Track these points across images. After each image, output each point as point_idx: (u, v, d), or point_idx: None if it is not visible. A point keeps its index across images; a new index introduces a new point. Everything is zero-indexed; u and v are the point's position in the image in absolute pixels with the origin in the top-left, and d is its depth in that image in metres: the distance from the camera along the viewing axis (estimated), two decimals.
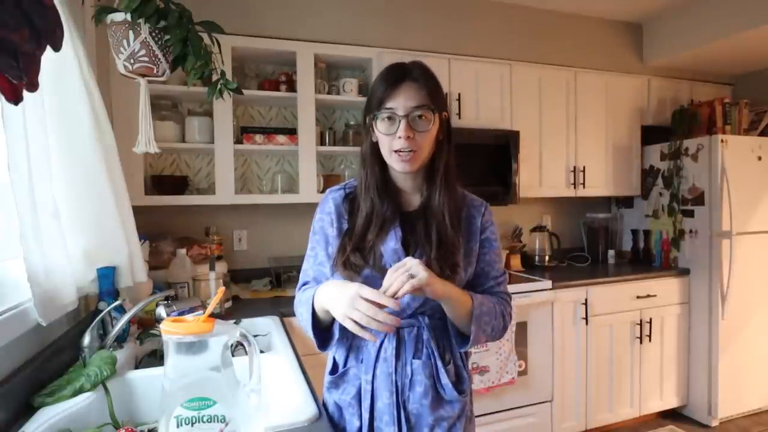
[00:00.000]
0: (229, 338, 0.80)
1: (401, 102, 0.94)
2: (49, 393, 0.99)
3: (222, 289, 0.98)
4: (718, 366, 2.66)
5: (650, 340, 2.68)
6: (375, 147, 1.00)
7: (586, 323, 2.51)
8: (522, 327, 2.35)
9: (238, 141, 2.23)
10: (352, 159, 2.59)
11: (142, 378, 1.15)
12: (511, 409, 2.35)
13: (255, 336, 1.67)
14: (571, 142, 2.84)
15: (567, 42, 2.84)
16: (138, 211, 1.57)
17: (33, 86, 0.73)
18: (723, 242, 2.64)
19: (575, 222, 3.28)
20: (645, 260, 3.04)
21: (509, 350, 2.28)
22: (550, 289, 2.41)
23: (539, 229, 2.99)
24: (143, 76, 1.20)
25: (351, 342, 1.03)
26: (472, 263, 1.04)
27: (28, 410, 0.95)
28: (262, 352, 1.40)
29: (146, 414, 1.13)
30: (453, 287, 0.93)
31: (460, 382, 1.02)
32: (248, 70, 2.44)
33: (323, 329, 1.01)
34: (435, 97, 0.96)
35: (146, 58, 1.17)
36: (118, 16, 1.14)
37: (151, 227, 2.19)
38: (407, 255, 0.97)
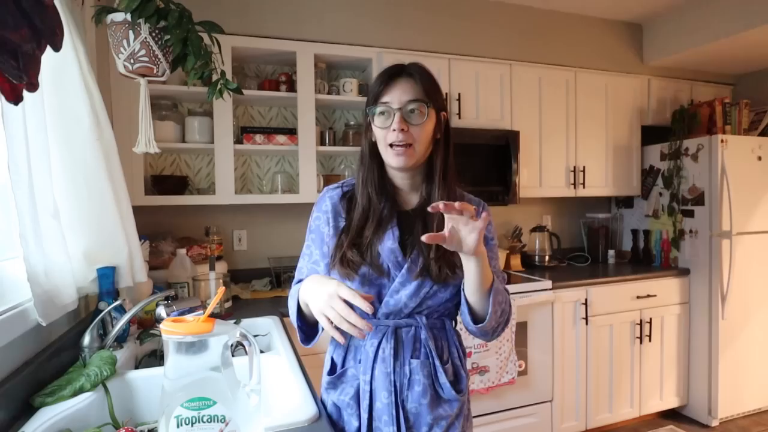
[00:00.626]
0: (229, 338, 0.80)
1: (396, 96, 0.95)
2: (49, 393, 0.99)
3: (222, 289, 0.98)
4: (718, 366, 2.66)
5: (650, 340, 2.68)
6: (374, 146, 1.01)
7: (586, 323, 2.51)
8: (522, 327, 2.35)
9: (238, 141, 2.23)
10: (352, 159, 2.59)
11: (142, 378, 1.15)
12: (511, 409, 2.35)
13: (255, 336, 1.67)
14: (571, 142, 2.84)
15: (567, 42, 2.84)
16: (138, 211, 1.57)
17: (33, 86, 0.73)
18: (723, 242, 2.64)
19: (575, 222, 3.28)
20: (645, 260, 3.04)
21: (509, 350, 2.28)
22: (550, 289, 2.41)
23: (539, 229, 2.99)
24: (143, 76, 1.20)
25: (349, 342, 1.03)
26: None
27: (28, 410, 0.95)
28: (262, 352, 1.40)
29: (146, 414, 1.13)
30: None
31: (458, 382, 1.02)
32: (248, 70, 2.44)
33: (310, 325, 1.01)
34: (431, 93, 0.97)
35: (146, 58, 1.17)
36: (118, 16, 1.14)
37: (151, 227, 2.19)
38: (404, 255, 0.98)
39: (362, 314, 0.99)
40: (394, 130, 0.93)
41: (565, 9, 2.83)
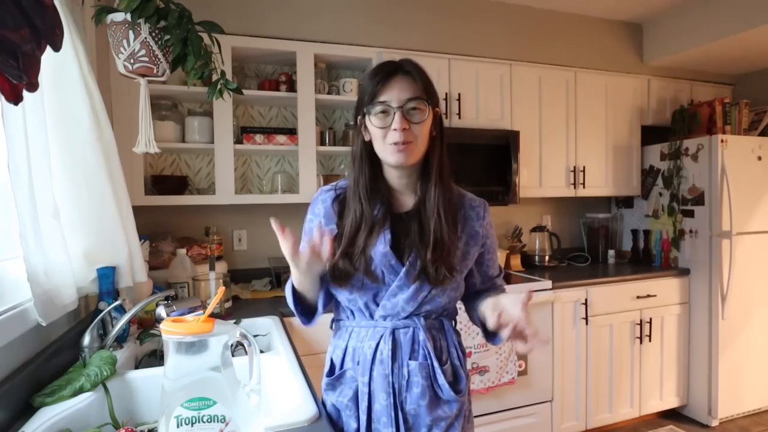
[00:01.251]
0: (229, 338, 0.80)
1: (395, 94, 0.93)
2: (49, 393, 0.99)
3: (222, 289, 0.98)
4: (718, 366, 2.66)
5: (650, 340, 2.68)
6: (367, 147, 0.99)
7: (586, 323, 2.51)
8: None
9: (238, 141, 2.23)
10: None
11: (142, 378, 1.15)
12: (511, 409, 2.34)
13: (255, 336, 1.67)
14: (571, 142, 2.84)
15: (567, 42, 2.84)
16: (138, 211, 1.57)
17: (33, 86, 0.73)
18: (723, 242, 2.64)
19: (575, 222, 3.28)
20: (645, 260, 3.04)
21: (509, 350, 2.28)
22: (550, 289, 2.41)
23: (539, 229, 2.99)
24: (143, 76, 1.20)
25: (347, 344, 1.02)
26: (469, 266, 1.04)
27: (28, 410, 0.95)
28: (262, 352, 1.40)
29: (146, 414, 1.13)
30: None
31: (457, 382, 1.02)
32: (248, 70, 2.44)
33: (306, 304, 1.03)
34: (428, 90, 0.96)
35: (146, 58, 1.17)
36: (118, 16, 1.14)
37: (151, 227, 2.19)
38: (399, 259, 0.96)
39: (361, 316, 1.01)
40: (395, 129, 0.92)
41: (565, 9, 2.83)
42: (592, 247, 3.16)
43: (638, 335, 2.64)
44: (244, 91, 2.04)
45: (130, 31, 1.14)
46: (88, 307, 1.45)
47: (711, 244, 2.68)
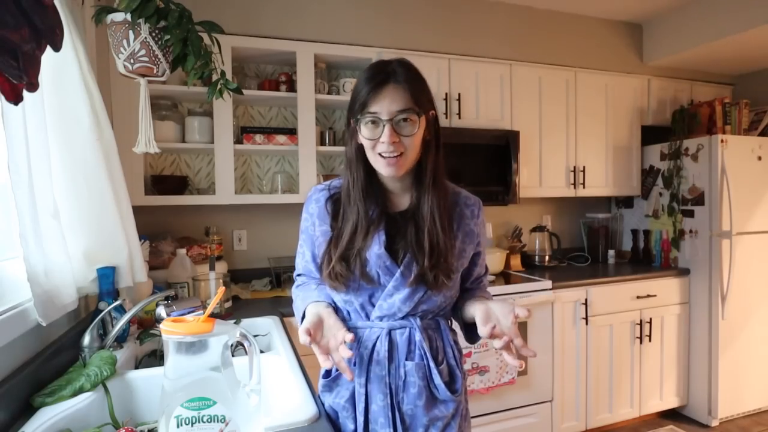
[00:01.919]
0: (229, 338, 0.80)
1: (385, 106, 0.90)
2: (49, 393, 0.99)
3: (222, 289, 0.98)
4: (718, 366, 2.66)
5: (650, 340, 2.68)
6: (360, 149, 0.97)
7: (586, 323, 2.51)
8: (522, 327, 2.35)
9: (238, 141, 2.23)
10: None
11: (142, 378, 1.15)
12: (511, 409, 2.35)
13: (255, 336, 1.67)
14: (571, 142, 2.84)
15: (567, 42, 2.84)
16: (138, 211, 1.57)
17: (33, 86, 0.73)
18: (723, 242, 2.64)
19: (575, 222, 3.28)
20: (645, 260, 3.04)
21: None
22: (550, 289, 2.41)
23: (539, 229, 2.99)
24: (143, 76, 1.20)
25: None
26: (464, 264, 1.05)
27: (28, 410, 0.95)
28: (262, 352, 1.40)
29: (146, 414, 1.13)
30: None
31: (453, 382, 1.01)
32: (248, 70, 2.44)
33: None
34: (420, 98, 0.93)
35: (146, 58, 1.17)
36: (118, 16, 1.14)
37: (151, 227, 2.19)
38: (394, 260, 0.96)
39: (357, 317, 1.01)
40: (383, 142, 0.90)
41: (565, 9, 2.83)
42: (592, 247, 3.16)
43: (638, 335, 2.64)
44: (244, 91, 2.04)
45: (130, 31, 1.14)
46: (88, 307, 1.45)
47: (711, 244, 2.68)
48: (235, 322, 1.65)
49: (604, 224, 3.16)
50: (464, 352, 2.15)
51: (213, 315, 0.82)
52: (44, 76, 1.09)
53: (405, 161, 0.93)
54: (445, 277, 0.95)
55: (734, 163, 2.65)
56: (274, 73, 2.46)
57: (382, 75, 0.92)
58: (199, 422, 0.75)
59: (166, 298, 1.50)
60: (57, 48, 0.79)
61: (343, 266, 0.95)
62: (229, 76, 1.80)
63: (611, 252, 3.09)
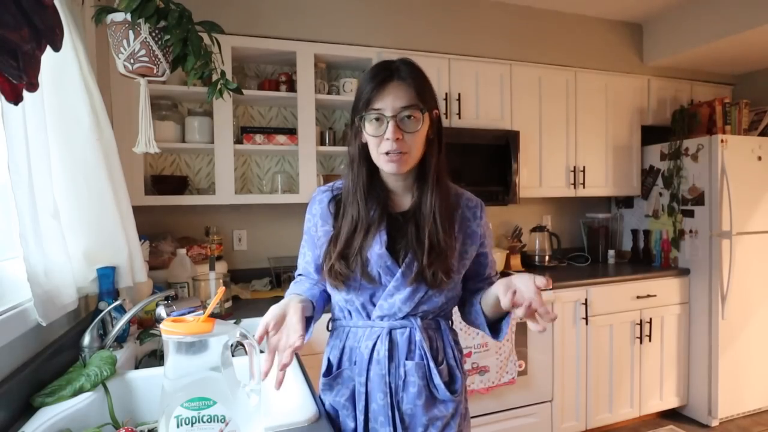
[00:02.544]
0: (229, 338, 0.80)
1: (389, 102, 0.90)
2: (49, 393, 0.99)
3: (222, 289, 0.98)
4: (718, 366, 2.66)
5: (650, 340, 2.68)
6: (364, 148, 0.98)
7: (586, 323, 2.51)
8: (522, 327, 2.35)
9: (238, 141, 2.23)
10: None
11: (142, 378, 1.15)
12: (511, 409, 2.35)
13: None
14: (571, 142, 2.84)
15: (567, 42, 2.84)
16: (138, 211, 1.57)
17: (33, 86, 0.73)
18: (723, 242, 2.64)
19: (575, 222, 3.28)
20: (645, 260, 3.04)
21: (509, 350, 2.28)
22: (550, 289, 2.41)
23: (539, 229, 2.99)
24: (143, 76, 1.20)
25: (344, 344, 1.03)
26: (466, 265, 1.04)
27: (28, 410, 0.95)
28: (261, 352, 1.39)
29: (146, 414, 1.13)
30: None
31: (452, 382, 1.02)
32: (248, 70, 2.44)
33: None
34: (424, 95, 0.93)
35: (146, 58, 1.17)
36: (118, 16, 1.14)
37: (151, 227, 2.19)
38: (395, 260, 0.96)
39: (358, 317, 1.01)
40: (388, 138, 0.90)
41: (565, 9, 2.83)
42: (592, 247, 3.16)
43: (638, 335, 2.64)
44: (244, 91, 2.04)
45: (130, 31, 1.14)
46: (88, 307, 1.45)
47: (711, 244, 2.68)
48: (235, 322, 1.65)
49: (604, 224, 3.16)
50: (464, 351, 2.15)
51: (213, 315, 0.82)
52: (44, 76, 1.09)
53: (408, 158, 0.93)
54: (444, 275, 0.95)
55: (734, 163, 2.65)
56: (274, 73, 2.46)
57: (386, 72, 0.93)
58: (199, 422, 0.74)
59: (166, 298, 1.50)
60: (57, 48, 0.79)
61: (343, 264, 0.95)
62: (229, 76, 1.80)
63: (611, 252, 3.09)
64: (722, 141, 2.64)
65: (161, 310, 1.42)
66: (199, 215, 2.38)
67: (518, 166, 2.60)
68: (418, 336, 0.98)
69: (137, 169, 2.01)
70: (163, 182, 2.19)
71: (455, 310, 1.14)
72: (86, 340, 1.19)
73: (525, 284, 0.83)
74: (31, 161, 1.01)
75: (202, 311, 1.04)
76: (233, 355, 0.80)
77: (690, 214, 2.80)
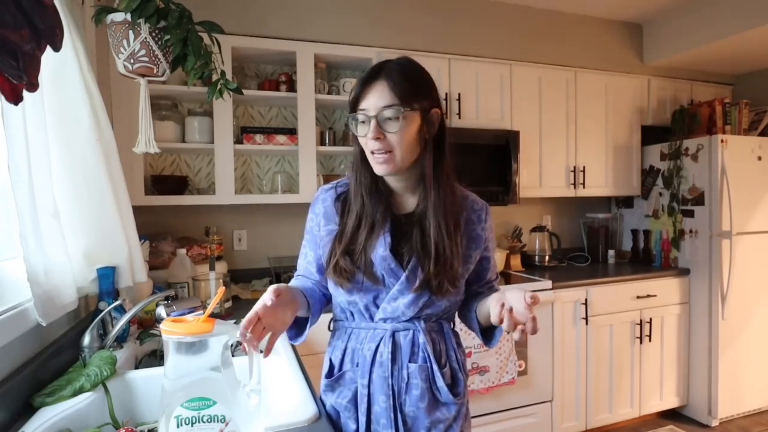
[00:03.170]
0: (229, 338, 0.80)
1: (372, 102, 0.89)
2: (49, 393, 0.99)
3: (222, 289, 0.98)
4: (718, 366, 2.66)
5: (650, 340, 2.68)
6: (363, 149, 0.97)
7: (586, 323, 2.51)
8: None
9: (238, 141, 2.23)
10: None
11: (142, 378, 1.15)
12: (511, 409, 2.35)
13: None
14: (571, 142, 2.84)
15: (567, 42, 2.84)
16: (138, 211, 1.57)
17: (33, 86, 0.73)
18: (723, 242, 2.64)
19: (575, 222, 3.28)
20: (645, 260, 3.04)
21: (509, 350, 2.28)
22: (550, 289, 2.41)
23: (539, 229, 2.99)
24: (143, 76, 1.21)
25: (346, 345, 1.02)
26: (470, 269, 1.03)
27: (28, 410, 0.95)
28: (261, 351, 1.39)
29: (146, 414, 1.13)
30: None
31: (455, 385, 1.01)
32: (248, 70, 2.44)
33: (296, 326, 1.01)
34: (408, 94, 0.90)
35: (146, 58, 1.17)
36: (118, 16, 1.14)
37: (151, 227, 2.19)
38: (399, 263, 0.95)
39: (360, 318, 1.00)
40: (370, 138, 0.90)
41: (565, 9, 2.83)
42: (592, 247, 3.16)
43: (638, 335, 2.64)
44: (244, 91, 2.04)
45: (130, 31, 1.14)
46: (88, 307, 1.45)
47: (711, 244, 2.68)
48: (235, 322, 1.64)
49: (604, 224, 3.16)
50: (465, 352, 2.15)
51: (213, 315, 0.82)
52: (44, 76, 1.09)
53: (394, 159, 0.91)
54: (450, 285, 0.94)
55: (734, 163, 2.65)
56: (274, 73, 2.46)
57: (374, 72, 0.92)
58: (199, 422, 0.75)
59: (166, 298, 1.50)
60: (57, 48, 0.79)
61: (348, 261, 0.95)
62: (229, 76, 1.80)
63: (611, 252, 3.09)
64: (722, 141, 2.64)
65: (161, 310, 1.42)
66: (199, 215, 2.38)
67: (518, 166, 2.60)
68: (421, 338, 0.97)
69: (137, 169, 2.01)
70: (163, 182, 2.19)
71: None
72: (86, 340, 1.19)
73: (517, 301, 0.82)
74: (31, 161, 1.01)
75: (202, 311, 1.04)
76: (233, 355, 0.80)
77: (690, 214, 2.80)
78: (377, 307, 0.98)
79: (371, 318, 0.99)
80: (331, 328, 1.10)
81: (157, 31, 1.17)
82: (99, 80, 1.39)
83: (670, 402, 2.78)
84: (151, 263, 1.93)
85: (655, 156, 3.02)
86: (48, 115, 1.14)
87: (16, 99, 0.71)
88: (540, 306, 2.38)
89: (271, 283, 2.35)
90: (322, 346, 1.91)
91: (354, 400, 0.99)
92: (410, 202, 1.01)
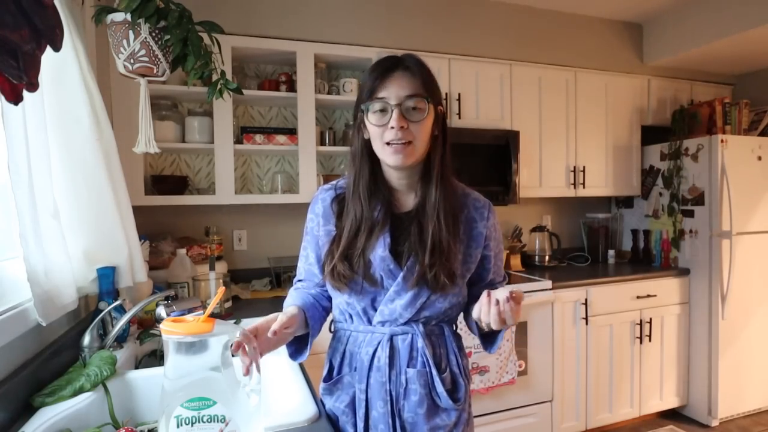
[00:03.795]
0: (229, 338, 0.80)
1: (393, 91, 0.89)
2: (49, 393, 0.99)
3: (222, 289, 0.98)
4: (718, 366, 2.66)
5: (650, 340, 2.68)
6: (367, 145, 0.95)
7: (586, 323, 2.51)
8: (522, 327, 2.35)
9: (238, 141, 2.23)
10: None
11: (142, 378, 1.15)
12: (511, 409, 2.34)
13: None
14: (571, 142, 2.84)
15: (567, 42, 2.84)
16: (138, 211, 1.57)
17: (33, 86, 0.73)
18: (723, 242, 2.64)
19: (575, 222, 3.28)
20: (645, 260, 3.04)
21: (509, 350, 2.28)
22: (550, 289, 2.41)
23: (539, 229, 2.99)
24: (143, 76, 1.20)
25: (345, 348, 1.00)
26: (471, 269, 1.00)
27: (28, 410, 0.95)
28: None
29: (146, 414, 1.13)
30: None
31: (456, 390, 0.98)
32: (248, 70, 2.44)
33: (296, 342, 0.98)
34: (429, 87, 0.92)
35: (146, 58, 1.17)
36: (118, 16, 1.14)
37: (151, 227, 2.19)
38: (398, 263, 0.93)
39: (359, 321, 0.98)
40: (392, 127, 0.88)
41: (565, 9, 2.83)
42: (592, 247, 3.16)
43: (638, 335, 2.64)
44: (244, 91, 2.04)
45: (130, 31, 1.14)
46: (88, 307, 1.45)
47: (711, 244, 2.68)
48: (235, 322, 1.65)
49: (604, 224, 3.16)
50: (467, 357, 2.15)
51: (213, 315, 0.82)
52: (44, 76, 1.09)
53: (413, 150, 0.90)
54: (446, 277, 0.91)
55: (734, 163, 2.65)
56: (274, 73, 2.46)
57: (391, 62, 0.93)
58: (199, 422, 0.75)
59: (166, 298, 1.50)
60: (57, 48, 0.79)
61: (346, 265, 0.93)
62: (229, 76, 1.80)
63: (611, 252, 3.09)
64: (722, 141, 2.64)
65: (161, 310, 1.42)
66: (199, 215, 2.38)
67: (518, 166, 2.60)
68: (420, 343, 0.95)
69: (137, 169, 2.01)
70: (163, 182, 2.19)
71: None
72: (86, 340, 1.19)
73: (501, 292, 0.81)
74: (31, 161, 1.01)
75: (202, 311, 1.04)
76: (233, 355, 0.80)
77: (690, 214, 2.80)
78: (375, 309, 0.96)
79: (369, 321, 0.97)
80: (332, 330, 1.08)
81: (157, 31, 1.17)
82: (99, 80, 1.39)
83: (670, 402, 2.78)
84: (151, 263, 1.93)
85: (655, 156, 3.02)
86: (48, 115, 1.14)
87: (16, 99, 0.71)
88: (540, 306, 2.39)
89: (271, 283, 2.36)
90: (322, 346, 1.90)
91: (352, 405, 0.98)
92: (409, 201, 1.00)
